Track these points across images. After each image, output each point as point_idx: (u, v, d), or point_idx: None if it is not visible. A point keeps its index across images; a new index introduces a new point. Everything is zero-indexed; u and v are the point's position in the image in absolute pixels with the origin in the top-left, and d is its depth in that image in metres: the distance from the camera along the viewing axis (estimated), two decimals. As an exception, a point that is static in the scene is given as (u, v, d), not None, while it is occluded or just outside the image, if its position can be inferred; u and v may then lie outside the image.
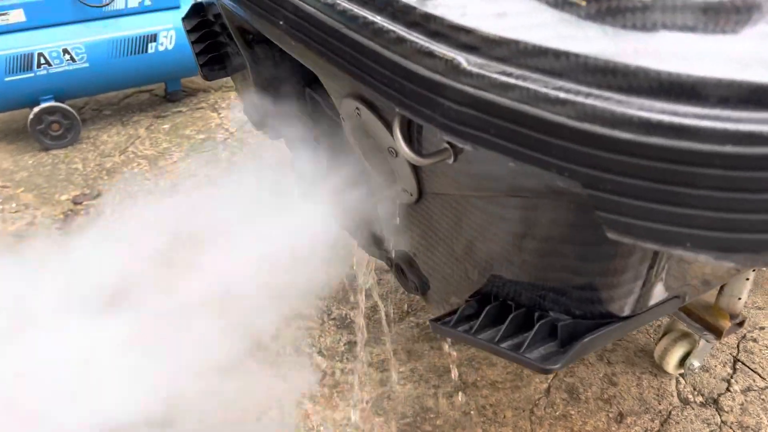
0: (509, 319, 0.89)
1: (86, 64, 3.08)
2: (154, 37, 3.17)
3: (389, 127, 0.91)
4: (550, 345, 0.84)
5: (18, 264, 1.82)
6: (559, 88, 0.57)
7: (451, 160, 0.81)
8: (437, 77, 0.66)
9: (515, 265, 0.86)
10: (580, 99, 0.55)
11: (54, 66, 3.02)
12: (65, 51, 3.02)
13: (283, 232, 1.50)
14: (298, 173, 1.50)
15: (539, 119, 0.58)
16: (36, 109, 3.06)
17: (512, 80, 0.60)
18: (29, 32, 2.98)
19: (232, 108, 3.44)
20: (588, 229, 0.72)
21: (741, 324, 1.60)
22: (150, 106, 3.47)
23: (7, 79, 2.96)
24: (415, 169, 0.92)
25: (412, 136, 0.80)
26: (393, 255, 1.20)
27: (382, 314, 2.10)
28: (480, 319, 0.92)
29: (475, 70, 0.62)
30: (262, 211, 1.56)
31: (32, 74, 3.01)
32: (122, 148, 3.10)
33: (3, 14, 2.89)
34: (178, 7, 3.18)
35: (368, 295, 2.18)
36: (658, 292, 0.80)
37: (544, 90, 0.57)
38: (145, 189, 2.76)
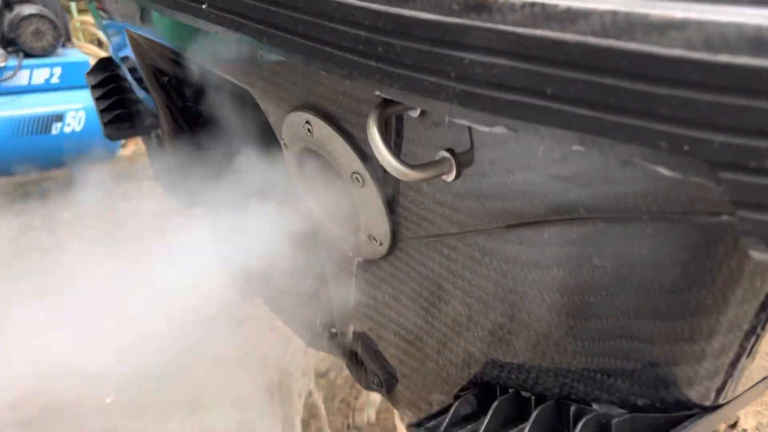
0: (534, 416, 0.60)
1: (-24, 144, 2.71)
2: (60, 117, 2.85)
3: (352, 141, 0.65)
4: (600, 455, 0.56)
5: None
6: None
7: (451, 176, 0.55)
8: (452, 19, 0.41)
9: (546, 335, 0.58)
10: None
11: (-64, 144, 2.64)
12: (-48, 128, 2.66)
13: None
14: (220, 246, 1.20)
15: (646, 55, 0.34)
16: None
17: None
18: None
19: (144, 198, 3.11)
20: (674, 266, 0.47)
21: (734, 425, 1.40)
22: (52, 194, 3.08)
23: None
24: (389, 204, 0.66)
25: (389, 146, 0.54)
26: (345, 339, 0.90)
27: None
28: (488, 419, 0.63)
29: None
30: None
31: None
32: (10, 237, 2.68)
33: None
34: (90, 86, 2.91)
35: (305, 403, 1.83)
36: (756, 370, 0.55)
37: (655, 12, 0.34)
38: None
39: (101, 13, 1.35)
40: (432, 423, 0.68)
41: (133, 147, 3.50)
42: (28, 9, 2.75)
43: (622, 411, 0.57)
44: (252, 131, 0.92)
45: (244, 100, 0.91)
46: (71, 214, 2.87)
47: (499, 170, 0.52)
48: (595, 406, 0.59)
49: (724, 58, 0.33)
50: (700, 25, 0.33)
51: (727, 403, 0.55)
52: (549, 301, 0.57)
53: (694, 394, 0.54)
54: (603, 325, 0.54)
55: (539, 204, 0.51)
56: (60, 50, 2.89)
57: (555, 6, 0.37)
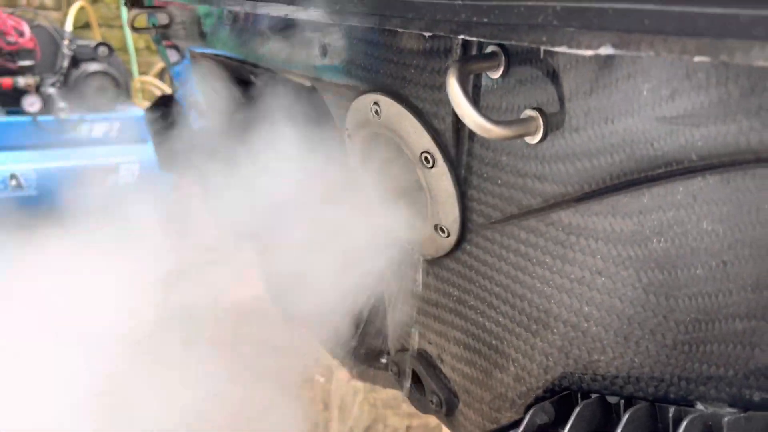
0: (625, 420, 0.52)
1: (34, 192, 2.79)
2: (115, 169, 2.93)
3: (422, 118, 0.61)
4: (708, 460, 0.48)
5: None
6: None
7: (537, 137, 0.51)
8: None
9: (640, 323, 0.52)
10: None
11: (-4, 191, 2.73)
12: (12, 176, 2.75)
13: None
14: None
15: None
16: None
17: None
18: (-24, 154, 2.72)
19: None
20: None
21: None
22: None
23: (-62, 201, 2.64)
24: (460, 184, 0.61)
25: (470, 100, 0.50)
26: (402, 359, 0.83)
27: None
28: (569, 425, 0.55)
29: None
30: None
31: (-31, 198, 2.69)
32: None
33: (-51, 132, 2.65)
34: (147, 141, 2.99)
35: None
36: None
37: None
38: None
39: (168, 48, 1.39)
40: (505, 435, 0.61)
41: (184, 204, 3.55)
42: (93, 66, 2.89)
43: (732, 410, 0.49)
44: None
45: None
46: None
47: (595, 121, 0.47)
48: (699, 406, 0.51)
49: None
50: None
51: None
52: (646, 280, 0.50)
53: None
54: (711, 304, 0.48)
55: (642, 156, 0.46)
56: (119, 107, 3.01)
57: None
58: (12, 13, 2.85)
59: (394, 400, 2.00)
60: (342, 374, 1.78)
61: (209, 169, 1.36)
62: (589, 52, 0.39)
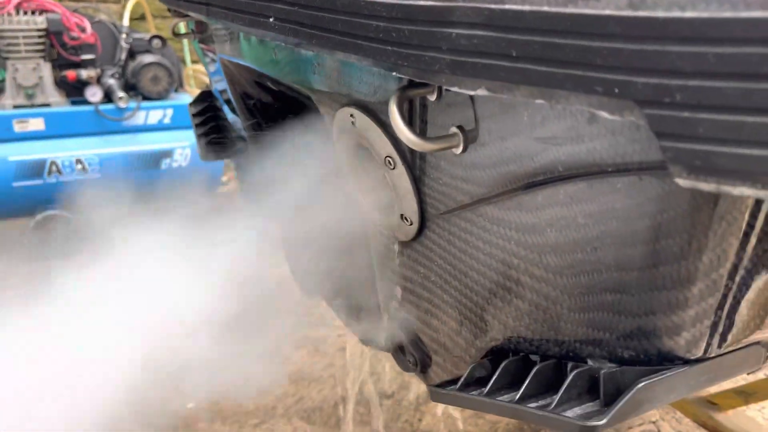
0: (533, 373, 0.66)
1: (97, 175, 3.05)
2: (169, 154, 3.16)
3: (385, 128, 0.76)
4: (589, 404, 0.61)
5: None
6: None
7: (459, 149, 0.65)
8: (440, 2, 0.52)
9: (544, 296, 0.65)
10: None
11: (64, 175, 2.99)
12: (78, 161, 3.01)
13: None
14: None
15: (582, 16, 0.43)
16: (39, 217, 2.97)
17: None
18: (46, 141, 2.99)
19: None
20: (645, 218, 0.53)
21: None
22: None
23: (14, 184, 2.92)
24: (416, 182, 0.75)
25: (405, 122, 0.64)
26: (389, 327, 0.99)
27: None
28: (494, 378, 0.70)
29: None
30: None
31: (41, 181, 2.97)
32: (119, 259, 2.96)
33: (23, 121, 2.92)
34: (196, 127, 3.21)
35: (365, 421, 1.90)
36: (742, 326, 0.58)
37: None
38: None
39: (204, 50, 1.56)
40: (450, 385, 0.75)
41: (232, 184, 3.78)
42: (148, 58, 3.11)
43: (611, 365, 0.62)
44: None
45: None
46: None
47: (495, 139, 0.61)
48: (590, 362, 0.64)
49: (642, 13, 0.41)
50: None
51: (710, 358, 0.59)
52: (545, 261, 0.64)
53: (675, 346, 0.59)
54: (590, 280, 0.61)
55: (528, 166, 0.59)
56: (173, 94, 3.23)
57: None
58: (75, 11, 3.09)
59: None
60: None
61: (241, 158, 1.54)
62: (472, 92, 0.53)
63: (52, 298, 1.35)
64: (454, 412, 1.94)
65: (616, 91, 0.43)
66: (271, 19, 0.78)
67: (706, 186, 0.41)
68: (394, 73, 0.64)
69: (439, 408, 1.95)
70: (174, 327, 1.54)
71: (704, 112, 0.40)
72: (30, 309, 1.32)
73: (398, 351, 0.97)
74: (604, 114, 0.45)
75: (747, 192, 0.39)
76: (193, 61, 4.05)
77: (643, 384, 0.57)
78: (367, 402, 1.96)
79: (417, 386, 2.07)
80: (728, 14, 0.36)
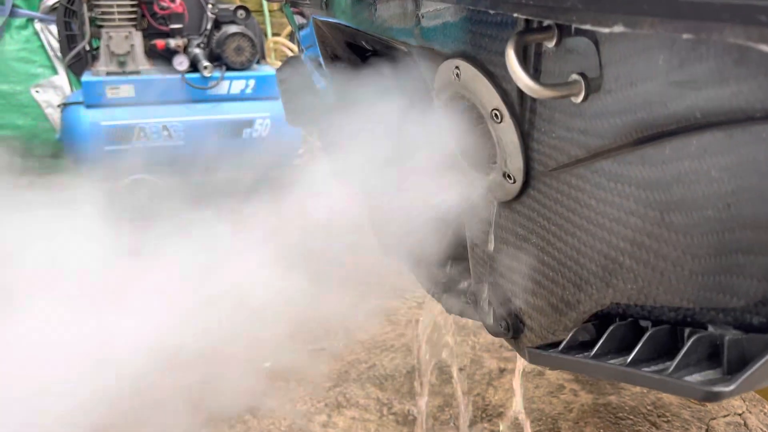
0: (646, 337, 0.63)
1: (181, 142, 3.14)
2: (250, 123, 3.22)
3: (494, 80, 0.73)
4: (710, 372, 0.57)
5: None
6: None
7: (580, 97, 0.61)
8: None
9: (664, 257, 0.61)
10: None
11: (151, 140, 3.10)
12: (164, 127, 3.11)
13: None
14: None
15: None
16: (127, 180, 3.09)
17: None
18: (135, 107, 3.10)
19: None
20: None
21: None
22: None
23: (106, 148, 3.05)
24: (523, 137, 0.73)
25: (523, 67, 0.61)
26: (479, 290, 0.96)
27: (456, 414, 1.79)
28: (601, 342, 0.67)
29: None
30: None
31: (129, 146, 3.09)
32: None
33: (115, 88, 3.04)
34: (278, 98, 3.26)
35: (437, 392, 1.89)
36: None
37: None
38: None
39: (296, 15, 1.56)
40: (551, 348, 0.73)
41: (308, 156, 3.83)
42: (232, 28, 3.16)
43: (737, 332, 0.58)
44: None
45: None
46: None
47: (622, 85, 0.57)
48: (711, 328, 0.60)
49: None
50: None
51: None
52: (668, 219, 0.60)
53: (815, 316, 0.54)
54: (720, 240, 0.56)
55: (659, 114, 0.55)
56: (255, 66, 3.28)
57: None
58: (165, -19, 3.17)
59: (492, 344, 2.13)
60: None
61: (328, 123, 1.54)
62: (606, 30, 0.49)
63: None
64: (527, 390, 1.91)
65: (784, 19, 0.39)
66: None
67: None
68: (514, 15, 0.61)
69: (512, 383, 1.92)
70: (249, 290, 1.58)
71: None
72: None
73: (488, 316, 0.95)
74: (765, 48, 0.41)
75: None
76: (275, 34, 4.10)
77: (777, 352, 0.52)
78: (439, 373, 1.95)
79: (489, 361, 2.05)
80: None
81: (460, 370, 1.96)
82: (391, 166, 1.06)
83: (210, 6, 3.21)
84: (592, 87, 0.61)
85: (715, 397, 0.53)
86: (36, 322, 1.28)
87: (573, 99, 0.62)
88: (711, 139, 0.53)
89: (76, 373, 1.22)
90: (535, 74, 0.68)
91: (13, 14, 3.68)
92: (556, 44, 0.63)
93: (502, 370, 1.98)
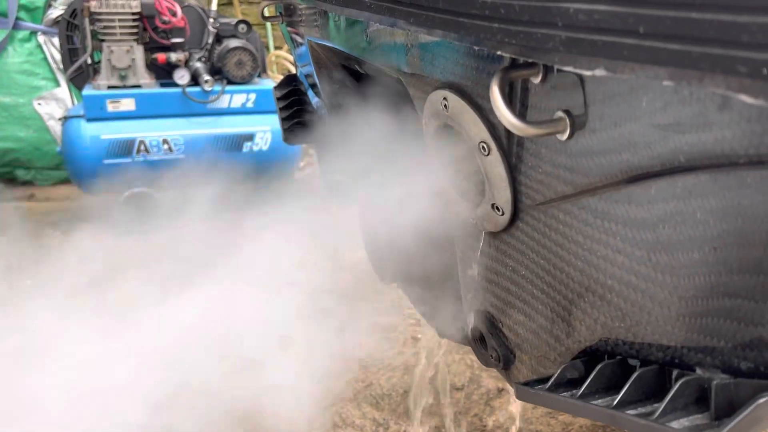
0: (633, 377, 0.62)
1: (182, 156, 3.14)
2: (250, 137, 3.22)
3: (481, 112, 0.72)
4: (697, 416, 0.56)
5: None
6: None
7: (565, 135, 0.61)
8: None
9: (651, 297, 0.60)
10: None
11: (151, 154, 3.10)
12: (164, 141, 3.11)
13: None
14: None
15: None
16: (127, 194, 3.09)
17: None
18: (135, 120, 3.11)
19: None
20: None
21: None
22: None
23: (105, 161, 3.05)
24: (511, 170, 0.72)
25: (508, 104, 0.61)
26: (470, 320, 0.95)
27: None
28: (588, 380, 0.66)
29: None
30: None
31: (129, 159, 3.09)
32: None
33: (116, 101, 3.04)
34: (277, 111, 3.25)
35: (433, 412, 1.87)
36: None
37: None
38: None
39: (292, 34, 1.56)
40: (538, 384, 0.71)
41: (309, 170, 3.82)
42: (233, 43, 3.17)
43: (724, 376, 0.57)
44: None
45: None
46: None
47: (606, 125, 0.56)
48: (698, 371, 0.59)
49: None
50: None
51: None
52: (654, 259, 0.59)
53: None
54: (706, 282, 0.55)
55: (643, 156, 0.54)
56: (256, 79, 3.28)
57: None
58: (167, -5, 3.18)
59: (490, 363, 2.11)
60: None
61: (323, 142, 1.54)
62: (588, 73, 0.49)
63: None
64: (526, 410, 1.89)
65: (766, 72, 0.38)
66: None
67: None
68: (498, 53, 0.60)
69: (510, 405, 1.91)
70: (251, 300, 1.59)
71: None
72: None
73: (480, 345, 0.94)
74: (745, 98, 0.41)
75: None
76: (276, 47, 4.11)
77: (764, 400, 0.51)
78: (436, 393, 1.94)
79: (487, 381, 2.03)
80: None
81: (458, 389, 1.94)
82: (384, 192, 1.06)
83: (211, 20, 3.22)
84: (577, 125, 0.60)
85: (702, 446, 0.52)
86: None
87: (558, 136, 0.61)
88: (696, 182, 0.53)
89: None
90: (522, 109, 0.67)
91: (16, 27, 3.70)
92: (542, 81, 0.63)
93: (500, 390, 1.96)
